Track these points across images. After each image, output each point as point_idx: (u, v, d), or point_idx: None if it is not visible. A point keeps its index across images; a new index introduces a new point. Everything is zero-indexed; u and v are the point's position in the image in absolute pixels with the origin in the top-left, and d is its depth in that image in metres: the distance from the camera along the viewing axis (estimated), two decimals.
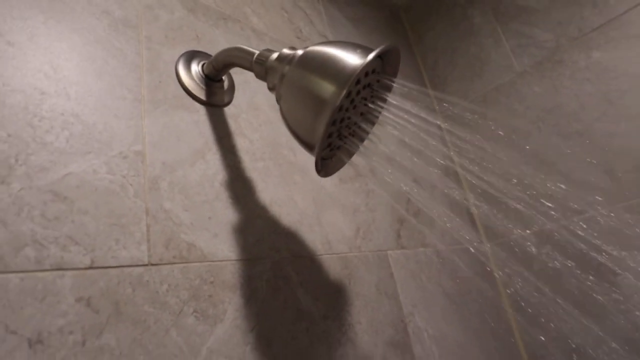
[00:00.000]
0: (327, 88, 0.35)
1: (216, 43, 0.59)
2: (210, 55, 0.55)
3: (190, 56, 0.53)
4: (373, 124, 0.42)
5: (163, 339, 0.37)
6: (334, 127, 0.38)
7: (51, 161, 0.37)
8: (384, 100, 0.38)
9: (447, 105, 1.01)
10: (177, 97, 0.50)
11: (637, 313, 0.73)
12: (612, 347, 0.76)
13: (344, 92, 0.34)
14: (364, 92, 0.39)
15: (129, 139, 0.43)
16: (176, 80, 0.51)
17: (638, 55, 0.76)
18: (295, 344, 0.46)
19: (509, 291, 0.89)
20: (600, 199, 0.76)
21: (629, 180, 0.75)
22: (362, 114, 0.41)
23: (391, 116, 0.39)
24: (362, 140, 0.43)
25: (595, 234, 0.76)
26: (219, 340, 0.40)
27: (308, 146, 0.39)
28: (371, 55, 0.34)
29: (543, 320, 0.82)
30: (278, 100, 0.41)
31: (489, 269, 0.90)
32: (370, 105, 0.39)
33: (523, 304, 0.85)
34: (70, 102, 0.40)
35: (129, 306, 0.36)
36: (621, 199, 0.75)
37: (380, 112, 0.40)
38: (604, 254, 0.75)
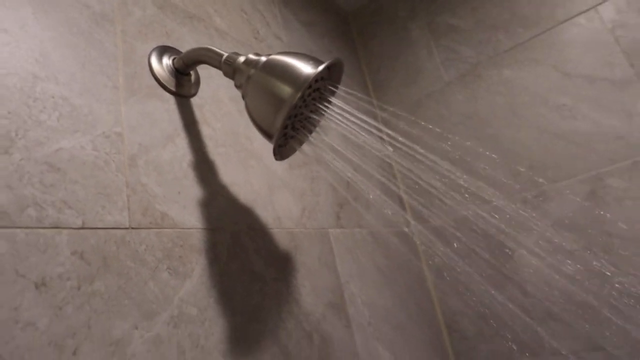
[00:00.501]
0: (285, 90, 0.45)
1: (183, 40, 0.65)
2: (179, 51, 0.62)
3: (161, 51, 0.60)
4: (319, 119, 0.52)
5: (143, 288, 0.44)
6: (289, 120, 0.48)
7: (45, 137, 0.43)
8: (329, 101, 0.48)
9: (384, 106, 1.14)
10: (150, 87, 0.56)
11: (527, 281, 0.90)
12: (511, 309, 0.93)
13: (299, 94, 0.44)
14: (314, 93, 0.49)
15: (110, 122, 0.49)
16: (149, 72, 0.57)
17: (537, 76, 0.93)
18: (251, 300, 0.55)
19: (431, 266, 1.04)
20: (503, 189, 0.93)
21: (525, 177, 0.91)
22: (311, 111, 0.50)
23: (335, 114, 0.49)
24: (310, 132, 0.53)
25: (499, 219, 0.93)
26: (188, 293, 0.48)
27: (268, 135, 0.48)
28: (322, 67, 0.44)
29: (460, 290, 0.98)
30: (244, 97, 0.50)
31: (415, 248, 1.04)
32: (318, 104, 0.49)
33: (443, 276, 1.01)
34: (59, 86, 0.46)
35: (114, 261, 0.43)
36: (519, 190, 0.92)
37: (326, 110, 0.50)
38: (504, 235, 0.92)
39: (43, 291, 0.37)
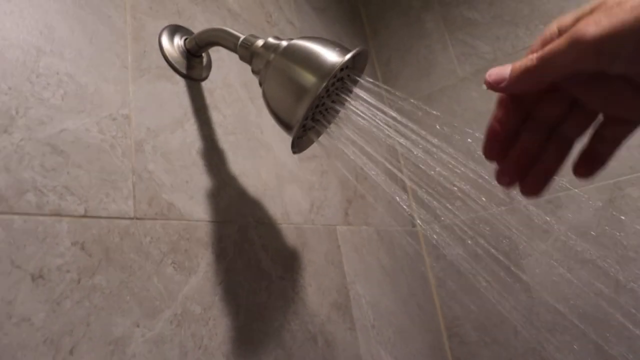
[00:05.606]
0: (309, 78, 0.42)
1: (195, 19, 0.62)
2: (191, 31, 0.58)
3: (173, 30, 0.56)
4: (340, 109, 0.49)
5: (146, 283, 0.41)
6: (309, 111, 0.45)
7: (48, 116, 0.39)
8: (351, 91, 0.45)
9: (397, 101, 1.11)
10: (160, 67, 0.53)
11: (535, 290, 0.88)
12: (515, 318, 0.92)
13: (325, 83, 0.41)
14: (337, 83, 0.46)
15: (118, 103, 0.46)
16: (159, 52, 0.54)
17: None
18: (256, 298, 0.53)
19: (434, 267, 1.01)
20: (515, 192, 0.90)
21: None
22: (333, 101, 0.47)
23: (356, 104, 0.46)
24: (329, 123, 0.50)
25: (509, 223, 0.90)
26: (193, 289, 0.46)
27: (286, 126, 0.45)
28: (349, 55, 0.41)
29: (462, 294, 0.96)
30: (261, 84, 0.47)
31: (420, 249, 1.02)
32: (340, 93, 0.46)
33: (446, 278, 0.99)
34: (64, 62, 0.43)
35: (117, 253, 0.40)
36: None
37: (347, 100, 0.47)
38: (513, 240, 0.90)
39: (40, 284, 0.34)
